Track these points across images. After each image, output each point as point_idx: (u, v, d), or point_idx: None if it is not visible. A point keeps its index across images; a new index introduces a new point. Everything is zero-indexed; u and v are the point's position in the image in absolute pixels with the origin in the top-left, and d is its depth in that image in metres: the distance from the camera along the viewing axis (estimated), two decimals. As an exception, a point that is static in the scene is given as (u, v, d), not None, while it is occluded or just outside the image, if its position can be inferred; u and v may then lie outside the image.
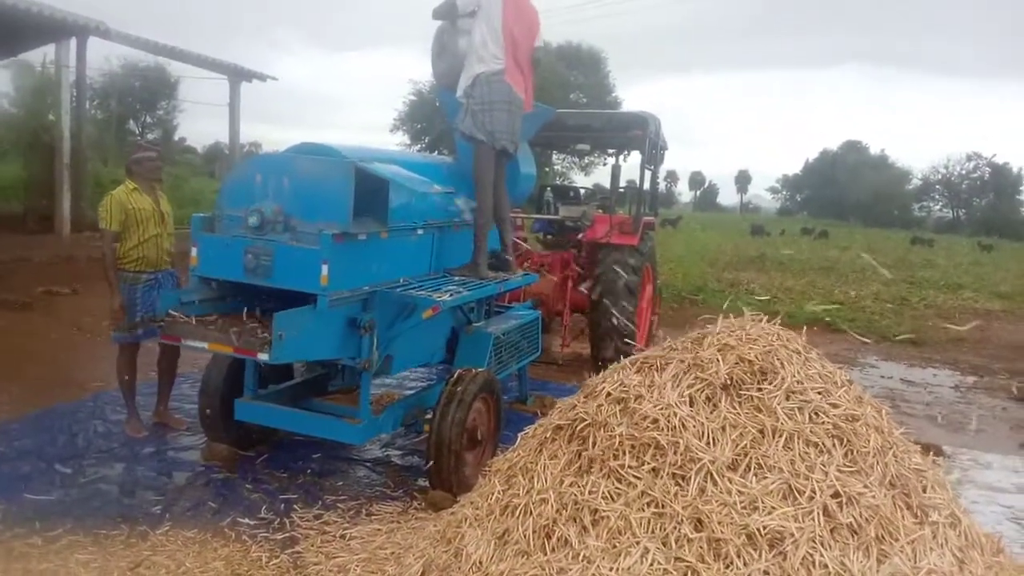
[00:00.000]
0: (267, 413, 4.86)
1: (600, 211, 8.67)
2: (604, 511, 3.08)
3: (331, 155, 4.50)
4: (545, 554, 3.13)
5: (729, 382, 3.20)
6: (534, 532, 3.22)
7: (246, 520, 4.34)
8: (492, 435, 5.10)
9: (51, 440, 5.31)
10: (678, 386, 3.25)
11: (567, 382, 7.73)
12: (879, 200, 66.61)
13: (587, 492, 3.18)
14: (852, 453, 3.00)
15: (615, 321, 7.64)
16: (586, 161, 33.68)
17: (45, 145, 13.44)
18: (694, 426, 3.11)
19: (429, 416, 4.82)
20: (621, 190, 9.15)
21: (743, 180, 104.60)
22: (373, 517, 4.47)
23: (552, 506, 3.24)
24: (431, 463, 4.60)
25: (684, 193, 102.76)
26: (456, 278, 5.15)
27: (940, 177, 69.94)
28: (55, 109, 13.17)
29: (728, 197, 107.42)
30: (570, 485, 3.28)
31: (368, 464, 5.35)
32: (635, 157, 9.17)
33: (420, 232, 4.96)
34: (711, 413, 3.15)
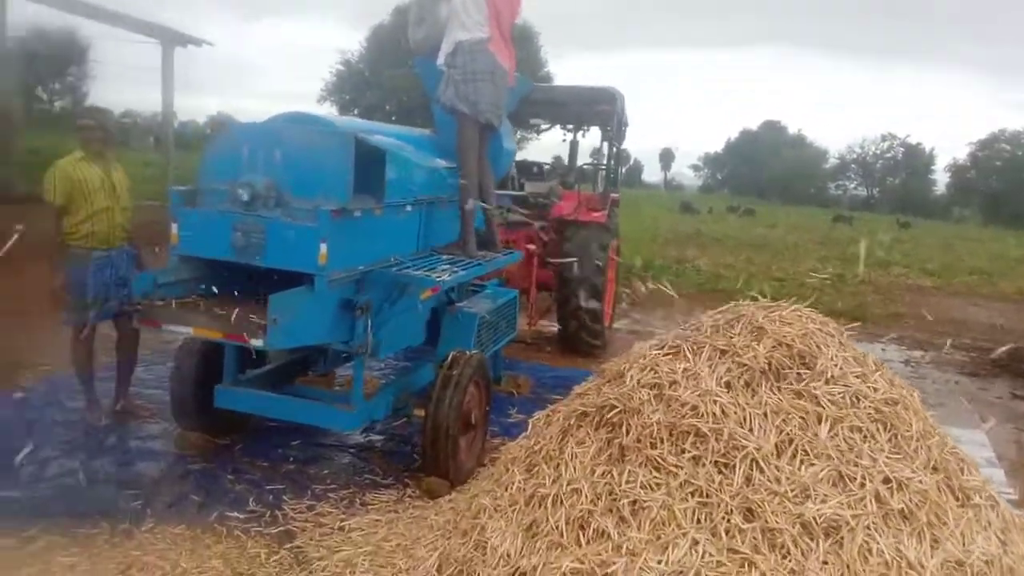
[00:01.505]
0: (251, 400, 4.58)
1: (562, 187, 8.54)
2: (644, 501, 2.98)
3: (323, 125, 4.23)
4: (581, 546, 3.02)
5: (768, 367, 3.13)
6: (567, 523, 3.10)
7: (235, 514, 4.08)
8: (483, 419, 4.96)
9: (4, 431, 4.90)
10: (715, 371, 3.16)
11: (537, 361, 7.64)
12: (796, 178, 68.65)
13: (624, 482, 3.07)
14: (896, 438, 2.98)
15: (583, 303, 7.55)
16: (518, 136, 33.55)
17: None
18: (736, 413, 3.03)
19: (420, 401, 4.65)
20: (589, 166, 9.06)
21: (667, 158, 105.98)
22: (369, 507, 4.28)
23: (586, 496, 3.12)
24: (427, 449, 4.43)
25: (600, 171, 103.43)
26: (444, 257, 4.96)
27: (855, 156, 72.48)
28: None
29: (652, 174, 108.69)
30: (603, 475, 3.17)
31: (352, 451, 5.12)
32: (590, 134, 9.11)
33: (409, 209, 4.74)
34: (751, 399, 3.07)
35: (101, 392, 5.36)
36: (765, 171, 70.58)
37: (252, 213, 3.95)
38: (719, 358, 3.22)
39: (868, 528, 2.71)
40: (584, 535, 3.05)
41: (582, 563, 2.93)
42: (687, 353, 3.30)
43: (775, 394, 3.07)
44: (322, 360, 5.00)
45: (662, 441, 3.08)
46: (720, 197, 61.54)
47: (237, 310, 3.89)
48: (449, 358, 4.63)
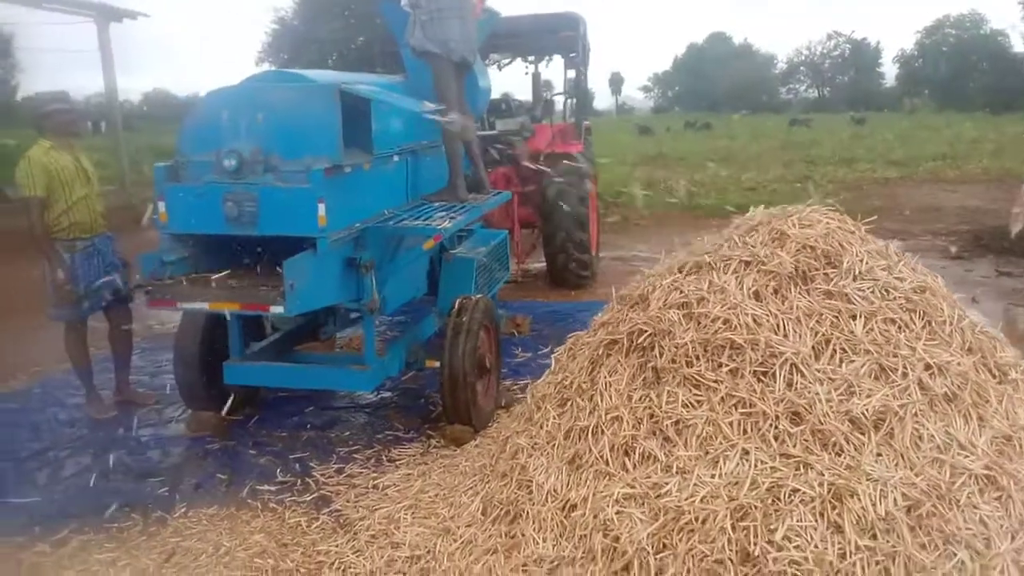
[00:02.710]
0: (262, 373, 4.50)
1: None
2: (688, 420, 2.97)
3: (302, 81, 4.06)
4: (629, 472, 3.02)
5: (795, 271, 3.11)
6: (612, 451, 3.09)
7: (266, 487, 4.04)
8: (496, 362, 4.93)
9: (9, 436, 4.78)
10: (742, 283, 3.14)
11: (530, 299, 7.60)
12: (748, 88, 68.36)
13: (664, 403, 3.05)
14: (930, 324, 2.99)
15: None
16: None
17: None
18: (769, 320, 3.01)
19: (430, 352, 4.61)
20: (563, 95, 8.88)
21: (616, 82, 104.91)
22: (398, 463, 4.26)
23: (627, 422, 3.11)
24: (447, 398, 4.40)
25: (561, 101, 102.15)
26: (437, 204, 4.85)
27: (803, 59, 72.34)
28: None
29: (602, 101, 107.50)
30: (641, 399, 3.15)
31: (368, 411, 5.08)
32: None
33: (396, 159, 4.61)
34: (783, 305, 3.06)
35: (99, 385, 5.24)
36: (716, 84, 70.16)
37: (241, 181, 3.80)
38: (744, 269, 3.19)
39: (916, 415, 2.73)
40: (630, 460, 3.04)
41: (633, 487, 2.92)
42: (710, 269, 3.26)
43: (805, 297, 3.06)
44: (331, 322, 4.91)
45: (698, 359, 3.07)
46: (673, 116, 61.12)
47: (245, 280, 3.80)
48: (456, 305, 4.57)
